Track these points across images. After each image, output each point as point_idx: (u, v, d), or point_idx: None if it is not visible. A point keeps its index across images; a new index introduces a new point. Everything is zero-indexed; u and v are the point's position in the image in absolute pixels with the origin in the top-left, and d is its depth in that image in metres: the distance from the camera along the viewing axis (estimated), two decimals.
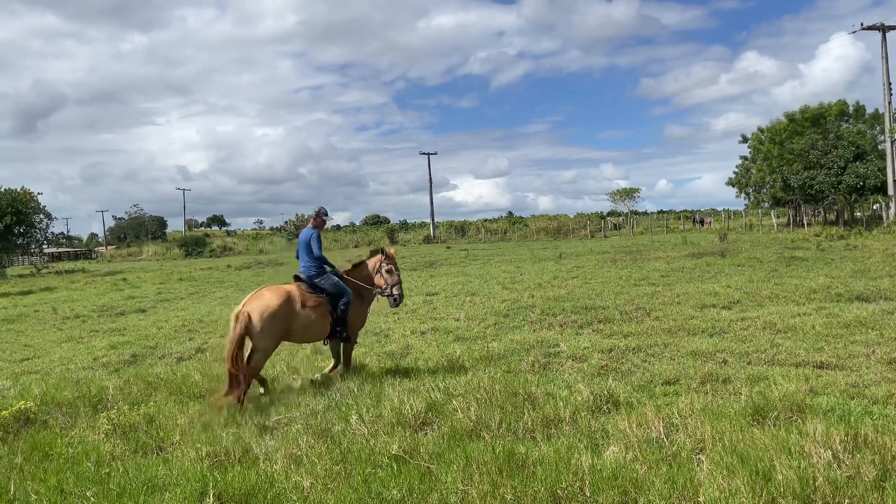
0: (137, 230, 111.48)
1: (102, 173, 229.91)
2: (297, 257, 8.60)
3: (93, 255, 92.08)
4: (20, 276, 48.09)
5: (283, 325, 7.76)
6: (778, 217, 54.52)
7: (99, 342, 13.94)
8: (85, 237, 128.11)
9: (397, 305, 8.79)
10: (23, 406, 7.30)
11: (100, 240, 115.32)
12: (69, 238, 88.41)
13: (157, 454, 6.12)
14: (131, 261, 72.83)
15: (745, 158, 58.19)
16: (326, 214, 8.87)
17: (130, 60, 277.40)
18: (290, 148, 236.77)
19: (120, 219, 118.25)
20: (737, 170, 59.65)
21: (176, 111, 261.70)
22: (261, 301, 7.71)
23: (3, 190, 50.76)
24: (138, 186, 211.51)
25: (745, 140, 57.25)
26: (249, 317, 7.50)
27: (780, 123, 51.06)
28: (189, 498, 4.67)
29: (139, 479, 5.21)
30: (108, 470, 5.55)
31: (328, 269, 8.42)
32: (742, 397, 6.37)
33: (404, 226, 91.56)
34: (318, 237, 8.47)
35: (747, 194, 59.07)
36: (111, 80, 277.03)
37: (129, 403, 7.65)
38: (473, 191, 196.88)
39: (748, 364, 8.11)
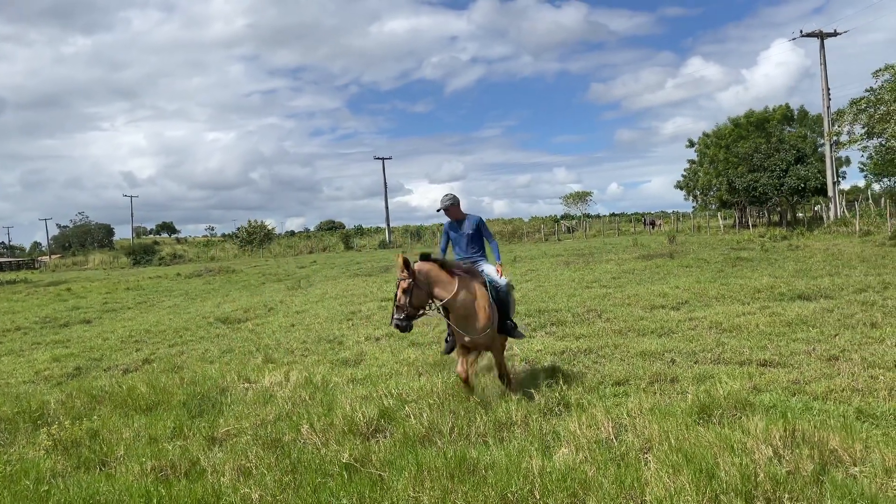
0: (83, 238, 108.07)
1: (45, 180, 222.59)
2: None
3: (36, 265, 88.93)
4: None
5: None
6: (724, 219, 56.08)
7: (41, 355, 13.47)
8: (27, 246, 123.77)
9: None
10: None
11: (43, 248, 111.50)
12: (10, 248, 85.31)
13: (101, 469, 5.93)
14: (76, 270, 70.57)
15: (692, 162, 59.61)
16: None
17: (73, 64, 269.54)
18: (242, 153, 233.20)
19: (64, 227, 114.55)
20: (685, 173, 61.08)
21: (122, 116, 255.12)
22: None
23: None
24: (83, 193, 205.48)
25: (691, 144, 58.69)
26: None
27: (725, 128, 52.48)
28: None
29: (80, 496, 5.04)
30: (47, 487, 5.36)
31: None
32: (689, 396, 6.51)
33: (360, 231, 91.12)
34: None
35: (695, 197, 60.49)
36: (53, 84, 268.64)
37: (71, 418, 7.41)
38: (429, 195, 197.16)
39: (695, 363, 8.29)
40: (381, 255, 46.90)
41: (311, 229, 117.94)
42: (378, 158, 77.82)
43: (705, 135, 56.27)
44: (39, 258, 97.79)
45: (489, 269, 7.41)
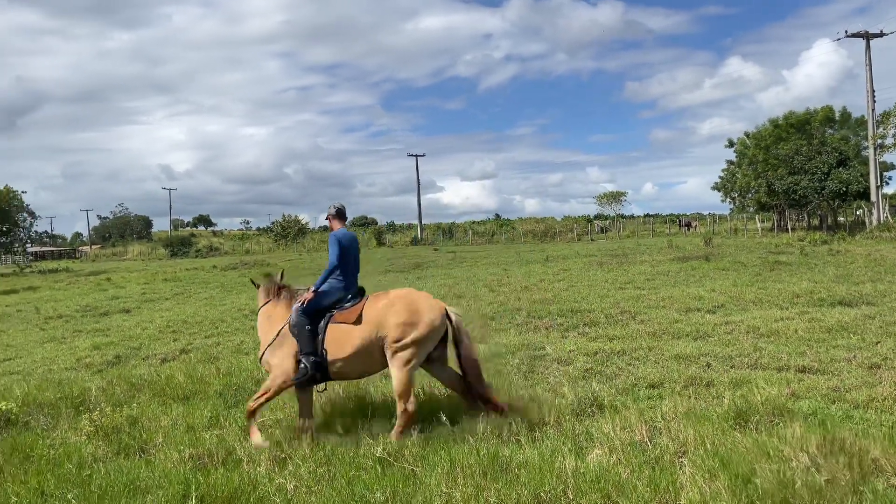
0: (122, 230, 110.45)
1: (85, 172, 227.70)
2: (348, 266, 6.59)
3: (77, 255, 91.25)
4: (2, 275, 47.56)
5: None
6: (762, 222, 54.99)
7: (82, 343, 13.83)
8: (69, 236, 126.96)
9: None
10: (4, 407, 7.24)
11: (84, 239, 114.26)
12: (53, 237, 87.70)
13: (140, 456, 6.08)
14: (116, 260, 72.26)
15: (730, 163, 58.58)
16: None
17: (114, 58, 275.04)
18: (277, 148, 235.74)
19: (104, 218, 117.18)
20: (722, 174, 60.01)
21: (161, 110, 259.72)
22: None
23: None
24: (122, 186, 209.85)
25: (731, 144, 57.65)
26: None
27: (765, 129, 51.45)
28: (171, 500, 4.66)
29: (121, 481, 5.17)
30: (89, 472, 5.51)
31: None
32: (725, 401, 6.43)
33: (392, 227, 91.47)
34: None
35: (732, 199, 59.43)
36: (94, 79, 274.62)
37: (111, 405, 7.59)
38: (460, 193, 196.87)
39: (731, 368, 8.18)
40: (412, 252, 47.07)
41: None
42: (411, 155, 78.21)
43: (745, 135, 55.26)
44: (80, 248, 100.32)
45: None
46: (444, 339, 6.33)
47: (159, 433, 6.54)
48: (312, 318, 6.29)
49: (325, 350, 6.19)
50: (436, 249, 49.76)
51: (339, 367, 6.23)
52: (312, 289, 6.38)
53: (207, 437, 6.26)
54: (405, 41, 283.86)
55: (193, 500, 4.63)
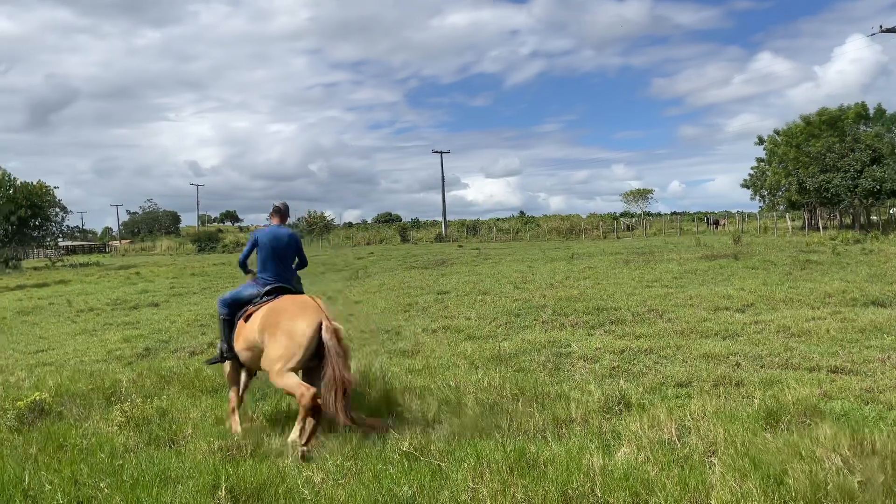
0: (151, 225, 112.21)
1: (115, 167, 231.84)
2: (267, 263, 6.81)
3: (107, 249, 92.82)
4: (35, 268, 48.57)
5: None
6: (793, 220, 54.14)
7: (112, 335, 14.07)
8: (99, 231, 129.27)
9: None
10: (38, 397, 7.38)
11: (114, 234, 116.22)
12: (84, 232, 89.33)
13: (170, 447, 6.16)
14: (145, 255, 73.37)
15: (760, 160, 57.73)
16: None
17: (144, 56, 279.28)
18: (302, 144, 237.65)
19: (134, 213, 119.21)
20: (752, 172, 59.21)
21: (189, 107, 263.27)
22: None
23: (19, 183, 51.37)
24: (151, 181, 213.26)
25: (760, 142, 56.76)
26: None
27: (796, 126, 50.56)
28: (202, 491, 4.71)
29: (152, 471, 5.25)
30: (121, 461, 5.60)
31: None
32: (755, 401, 6.34)
33: (416, 224, 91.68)
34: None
35: (762, 197, 58.62)
36: (125, 76, 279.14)
37: (142, 396, 7.72)
38: (484, 190, 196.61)
39: (761, 367, 8.06)
40: (437, 249, 47.13)
41: (369, 221, 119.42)
42: (436, 152, 78.25)
43: (775, 133, 54.36)
44: (110, 243, 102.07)
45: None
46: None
47: (189, 424, 6.62)
48: (230, 310, 6.65)
49: (235, 341, 6.53)
50: (460, 246, 49.75)
51: (242, 358, 6.48)
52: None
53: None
54: (431, 37, 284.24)
55: (223, 491, 4.68)
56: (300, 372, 6.07)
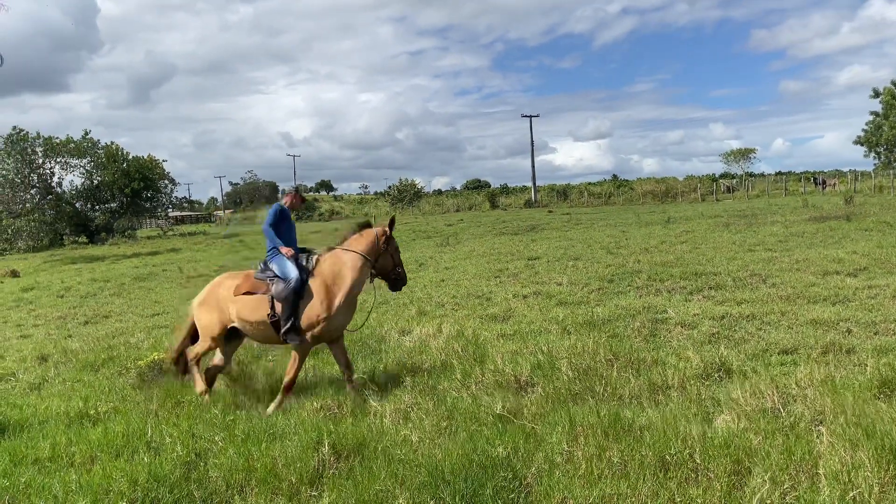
0: (252, 195, 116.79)
1: (214, 140, 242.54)
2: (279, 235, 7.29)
3: (212, 219, 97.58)
4: (148, 237, 51.85)
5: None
6: None
7: None
8: (205, 202, 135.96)
9: (399, 289, 7.14)
10: (156, 357, 7.95)
11: (218, 204, 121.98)
12: (191, 202, 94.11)
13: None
14: (247, 224, 76.67)
15: (875, 115, 53.59)
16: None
17: (237, 31, 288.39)
18: (389, 113, 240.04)
19: (235, 184, 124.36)
20: (866, 127, 55.10)
21: (282, 80, 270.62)
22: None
23: (131, 157, 54.69)
24: (247, 153, 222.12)
25: (876, 95, 52.64)
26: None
27: None
28: (306, 446, 4.96)
29: (261, 427, 5.58)
30: (233, 417, 5.98)
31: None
32: (867, 369, 6.00)
33: (505, 190, 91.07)
34: (273, 211, 7.23)
35: (878, 154, 54.55)
36: (219, 51, 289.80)
37: (250, 356, 8.16)
38: (573, 154, 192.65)
39: (875, 334, 7.60)
40: (526, 215, 46.75)
41: (458, 188, 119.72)
42: (525, 116, 77.01)
43: (893, 84, 50.25)
44: (215, 212, 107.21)
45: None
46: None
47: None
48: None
49: None
50: (550, 212, 49.11)
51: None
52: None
53: (338, 388, 6.60)
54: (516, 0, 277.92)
55: (326, 447, 4.91)
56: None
